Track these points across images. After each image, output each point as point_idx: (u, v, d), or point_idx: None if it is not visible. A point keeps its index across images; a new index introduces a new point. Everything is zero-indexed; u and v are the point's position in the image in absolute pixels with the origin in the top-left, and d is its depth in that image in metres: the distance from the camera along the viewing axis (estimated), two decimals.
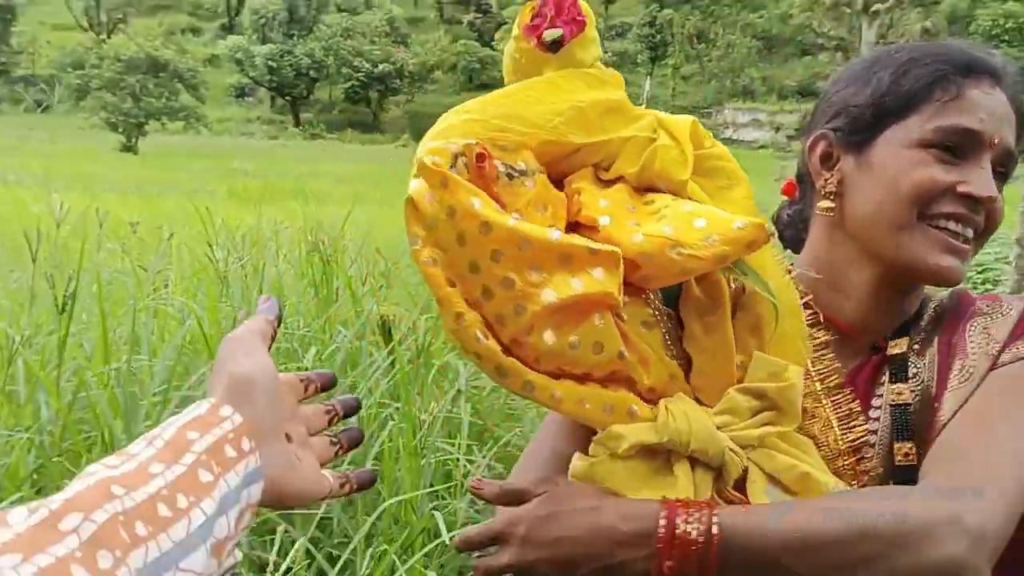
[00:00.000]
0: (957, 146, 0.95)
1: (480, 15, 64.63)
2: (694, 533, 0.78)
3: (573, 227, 0.86)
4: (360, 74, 57.53)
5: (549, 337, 0.78)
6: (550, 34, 0.88)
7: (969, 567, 0.77)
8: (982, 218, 0.97)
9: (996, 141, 0.96)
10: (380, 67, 57.40)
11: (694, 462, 0.83)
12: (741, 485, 0.85)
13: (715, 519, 0.78)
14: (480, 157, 0.80)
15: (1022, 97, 1.01)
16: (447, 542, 1.76)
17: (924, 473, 0.89)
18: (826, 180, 1.03)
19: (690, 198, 0.88)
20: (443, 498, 2.15)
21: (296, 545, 1.36)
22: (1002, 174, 0.99)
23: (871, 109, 1.00)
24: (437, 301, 0.80)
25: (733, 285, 0.88)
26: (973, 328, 1.00)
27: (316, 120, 58.17)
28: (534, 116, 0.85)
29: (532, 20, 0.90)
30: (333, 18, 60.56)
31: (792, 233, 1.12)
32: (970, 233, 0.96)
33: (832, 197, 1.02)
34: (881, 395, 1.00)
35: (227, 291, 3.15)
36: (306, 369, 2.36)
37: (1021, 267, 6.11)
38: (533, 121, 0.84)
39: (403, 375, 1.99)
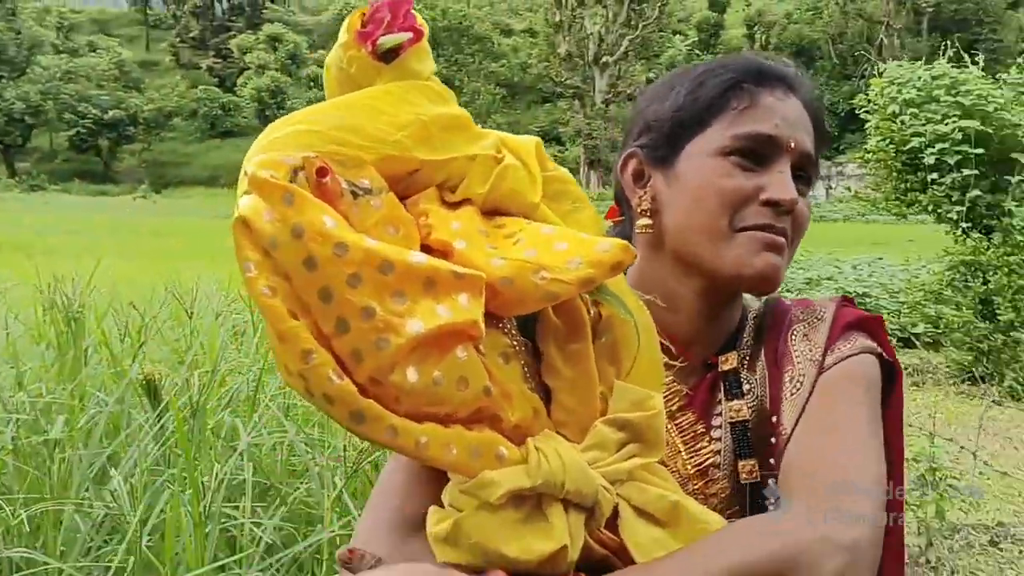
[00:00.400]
0: (756, 152, 0.97)
1: (220, 60, 62.38)
2: None
3: (424, 252, 0.77)
4: (87, 120, 53.59)
5: (412, 374, 0.69)
6: (388, 40, 0.80)
7: None
8: (788, 224, 0.98)
9: (793, 146, 0.97)
10: (110, 113, 53.76)
11: (566, 504, 0.76)
12: (611, 523, 0.80)
13: None
14: (321, 172, 0.71)
15: (816, 104, 1.04)
16: None
17: (784, 495, 0.88)
18: (640, 198, 1.03)
19: (542, 221, 0.83)
20: (230, 569, 1.97)
21: None
22: (803, 178, 1.01)
23: (671, 123, 1.01)
24: (278, 337, 0.68)
25: (592, 312, 0.83)
26: (794, 336, 1.02)
27: (35, 170, 53.19)
28: (374, 129, 0.76)
29: (365, 26, 0.82)
30: (50, 60, 55.98)
31: None
32: (781, 239, 0.97)
33: (648, 214, 1.02)
34: (720, 413, 1.00)
35: None
36: (55, 442, 2.11)
37: None
38: (373, 135, 0.76)
39: (181, 437, 1.81)
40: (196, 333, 3.22)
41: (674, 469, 0.97)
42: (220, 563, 1.82)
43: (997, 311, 7.62)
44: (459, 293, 0.71)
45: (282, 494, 2.27)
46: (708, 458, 0.99)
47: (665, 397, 0.98)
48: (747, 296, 1.09)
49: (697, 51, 49.58)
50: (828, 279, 11.59)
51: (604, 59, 34.89)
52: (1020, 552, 4.15)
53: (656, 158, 1.03)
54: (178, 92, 60.14)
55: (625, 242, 0.76)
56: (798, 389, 0.97)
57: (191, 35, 65.22)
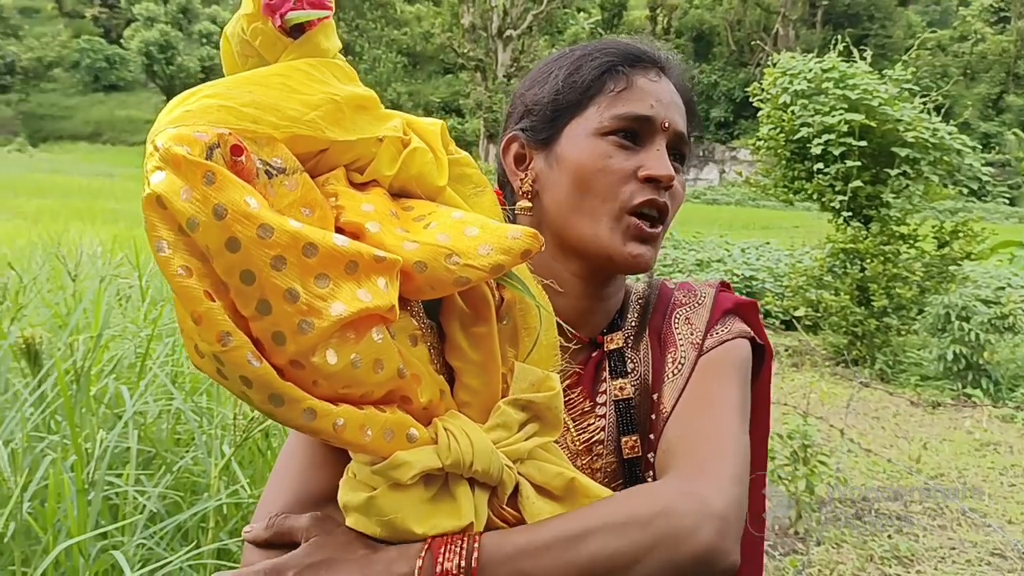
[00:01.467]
0: (634, 132, 1.01)
1: (106, 10, 59.30)
2: (453, 568, 0.76)
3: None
4: None
5: (332, 356, 0.69)
6: (298, 15, 0.77)
7: (721, 552, 0.80)
8: (668, 199, 1.01)
9: (667, 125, 1.01)
10: None
11: (472, 482, 0.79)
12: (512, 500, 0.82)
13: (476, 549, 0.77)
14: (236, 149, 0.69)
15: (688, 87, 1.08)
16: None
17: (661, 468, 0.94)
18: (522, 180, 1.05)
19: (449, 205, 0.83)
20: (112, 538, 1.93)
21: None
22: (677, 157, 1.05)
23: (551, 106, 1.04)
24: (193, 319, 0.67)
25: (494, 295, 0.84)
26: (677, 320, 1.08)
27: None
28: (288, 108, 0.74)
29: None
30: None
31: None
32: (660, 218, 1.01)
33: (529, 196, 1.05)
34: (604, 391, 1.04)
35: None
36: None
37: None
38: (288, 113, 0.74)
39: (66, 402, 1.75)
40: (79, 297, 3.10)
41: (563, 445, 1.01)
42: (103, 530, 1.78)
43: (872, 297, 8.03)
44: (379, 276, 0.70)
45: (168, 462, 2.23)
46: (595, 435, 1.03)
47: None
48: (630, 277, 1.13)
49: (600, 30, 50.03)
50: (718, 261, 11.97)
51: (508, 32, 34.86)
52: (883, 525, 4.42)
53: (537, 141, 1.05)
54: (60, 41, 56.87)
55: (534, 230, 0.77)
56: (679, 371, 1.03)
57: None
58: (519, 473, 0.82)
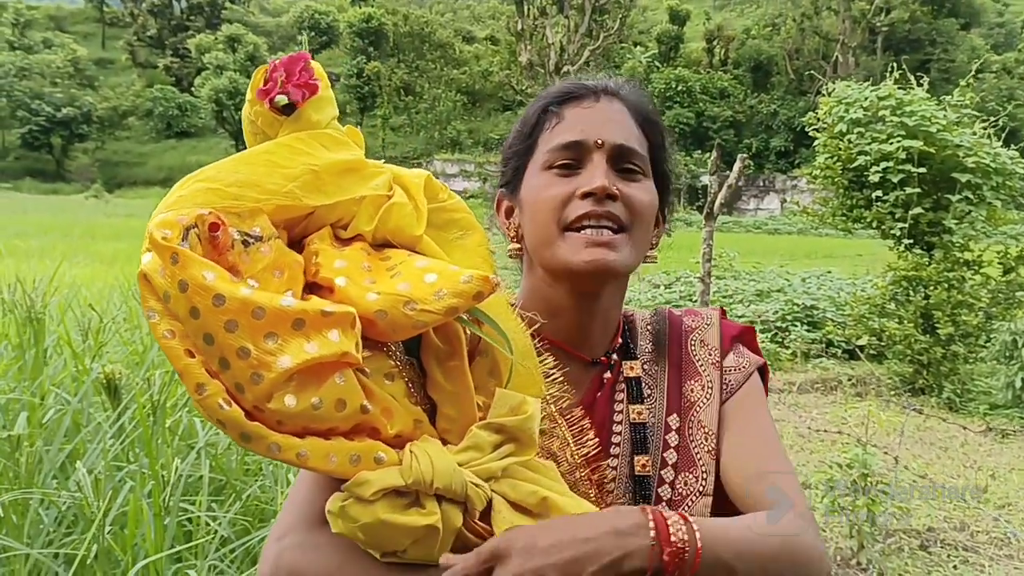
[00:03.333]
0: (570, 159, 1.11)
1: (177, 59, 61.63)
2: (680, 533, 0.87)
3: (311, 288, 0.88)
4: (40, 118, 52.58)
5: (291, 400, 0.80)
6: (280, 99, 0.91)
7: None
8: (617, 210, 1.09)
9: (600, 142, 1.10)
10: (64, 111, 52.84)
11: (440, 498, 0.87)
12: (486, 516, 0.90)
13: (697, 530, 0.88)
14: (213, 227, 0.82)
15: (640, 103, 1.17)
16: None
17: (754, 497, 1.05)
18: (508, 228, 1.19)
19: (423, 253, 0.92)
20: (185, 560, 2.06)
21: None
22: (633, 170, 1.12)
23: (512, 158, 1.18)
24: (178, 373, 0.80)
25: (469, 333, 0.93)
26: (693, 345, 1.19)
27: None
28: (268, 182, 0.87)
29: (265, 84, 0.93)
30: (5, 56, 54.88)
31: None
32: (609, 225, 1.08)
33: (516, 239, 1.18)
34: (621, 411, 1.15)
35: None
36: (17, 439, 2.18)
37: (706, 303, 6.88)
38: (267, 187, 0.86)
39: (145, 431, 1.90)
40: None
41: (564, 459, 1.09)
42: (177, 550, 1.91)
43: (936, 325, 7.87)
44: (330, 329, 0.81)
45: (237, 490, 2.35)
46: (594, 449, 1.11)
47: (556, 396, 1.10)
48: (636, 309, 1.25)
49: (657, 63, 50.14)
50: (778, 291, 11.83)
51: (565, 68, 35.20)
52: (948, 556, 4.34)
53: (511, 191, 1.18)
54: (134, 91, 59.32)
55: (485, 274, 0.87)
56: (710, 395, 1.14)
57: (148, 34, 64.30)
58: (494, 491, 0.90)
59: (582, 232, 1.07)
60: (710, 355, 1.18)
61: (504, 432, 0.92)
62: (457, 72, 49.93)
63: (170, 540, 1.97)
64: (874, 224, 8.45)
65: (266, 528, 2.20)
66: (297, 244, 0.91)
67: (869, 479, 4.18)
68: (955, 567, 4.20)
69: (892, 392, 8.28)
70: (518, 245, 1.18)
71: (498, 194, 1.21)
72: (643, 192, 1.12)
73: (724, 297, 11.43)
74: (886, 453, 4.81)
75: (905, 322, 8.08)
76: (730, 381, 1.17)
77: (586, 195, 1.08)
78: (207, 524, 2.15)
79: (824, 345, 9.57)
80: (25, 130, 53.15)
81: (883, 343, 8.50)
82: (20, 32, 63.88)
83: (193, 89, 55.07)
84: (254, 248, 0.84)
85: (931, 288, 8.00)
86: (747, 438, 1.11)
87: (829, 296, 11.35)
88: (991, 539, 4.58)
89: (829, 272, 14.29)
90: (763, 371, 1.21)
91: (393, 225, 0.92)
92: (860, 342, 8.75)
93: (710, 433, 1.13)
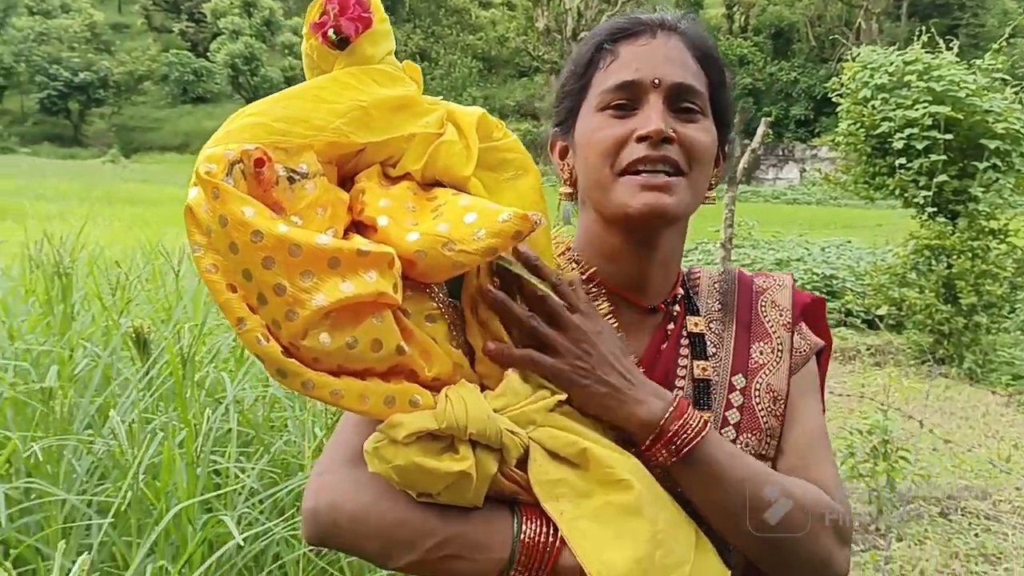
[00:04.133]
0: (625, 100, 1.06)
1: (192, 24, 61.36)
2: (692, 422, 0.95)
3: (357, 226, 0.87)
4: (58, 83, 52.58)
5: (326, 339, 0.80)
6: (334, 33, 0.90)
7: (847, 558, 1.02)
8: (675, 154, 1.05)
9: (657, 81, 1.06)
10: (81, 76, 52.82)
11: (475, 444, 0.87)
12: (523, 463, 0.90)
13: (706, 428, 0.97)
14: (259, 162, 0.81)
15: (699, 39, 1.12)
16: (241, 544, 1.71)
17: (791, 468, 1.08)
18: (561, 170, 1.16)
19: (470, 194, 0.91)
20: (216, 510, 2.08)
21: (81, 559, 1.27)
22: (691, 109, 1.08)
23: (564, 97, 1.14)
24: (219, 307, 0.81)
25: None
26: (764, 306, 1.17)
27: (6, 132, 52.22)
28: (316, 118, 0.86)
29: (319, 17, 0.91)
30: (24, 21, 54.81)
31: None
32: (665, 169, 1.05)
33: (568, 183, 1.15)
34: (685, 366, 1.12)
35: None
36: (49, 391, 2.20)
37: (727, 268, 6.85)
38: (315, 123, 0.86)
39: (177, 383, 1.91)
40: (180, 293, 3.30)
41: None
42: (207, 496, 1.93)
43: (959, 295, 7.81)
44: (367, 270, 0.80)
45: (265, 443, 2.37)
46: None
47: None
48: (703, 267, 1.23)
49: None
50: (797, 260, 11.78)
51: (582, 35, 34.87)
52: (969, 524, 4.34)
53: (564, 131, 1.15)
54: (149, 56, 59.11)
55: (523, 212, 0.86)
56: (780, 357, 1.13)
57: None
58: (531, 439, 0.90)
59: (637, 175, 1.04)
60: (781, 316, 1.16)
61: (536, 377, 0.92)
62: (473, 38, 49.55)
63: (201, 490, 1.99)
64: (897, 192, 8.36)
65: (293, 480, 2.22)
66: (349, 181, 0.90)
67: (889, 445, 4.17)
68: (976, 535, 4.20)
69: (911, 362, 8.24)
70: (571, 189, 1.15)
71: (551, 134, 1.18)
72: (702, 133, 1.08)
73: (743, 266, 11.37)
74: (910, 417, 4.79)
75: (926, 291, 8.02)
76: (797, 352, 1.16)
77: (642, 138, 1.04)
78: (236, 476, 2.17)
79: (843, 315, 9.51)
80: (43, 95, 53.16)
81: (903, 313, 8.45)
82: None
83: (208, 54, 54.92)
84: (299, 185, 0.84)
85: (954, 257, 7.93)
86: (792, 425, 1.11)
87: (848, 266, 11.29)
88: (1014, 508, 4.57)
89: (849, 242, 14.20)
90: (822, 351, 1.19)
91: (442, 164, 0.90)
92: (879, 312, 8.70)
93: (779, 397, 1.11)
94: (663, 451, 0.95)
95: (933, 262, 8.19)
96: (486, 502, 0.91)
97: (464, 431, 0.85)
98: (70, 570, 1.31)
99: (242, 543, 1.71)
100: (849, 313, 9.46)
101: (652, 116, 1.04)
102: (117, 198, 20.91)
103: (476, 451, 0.87)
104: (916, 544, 4.07)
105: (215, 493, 2.00)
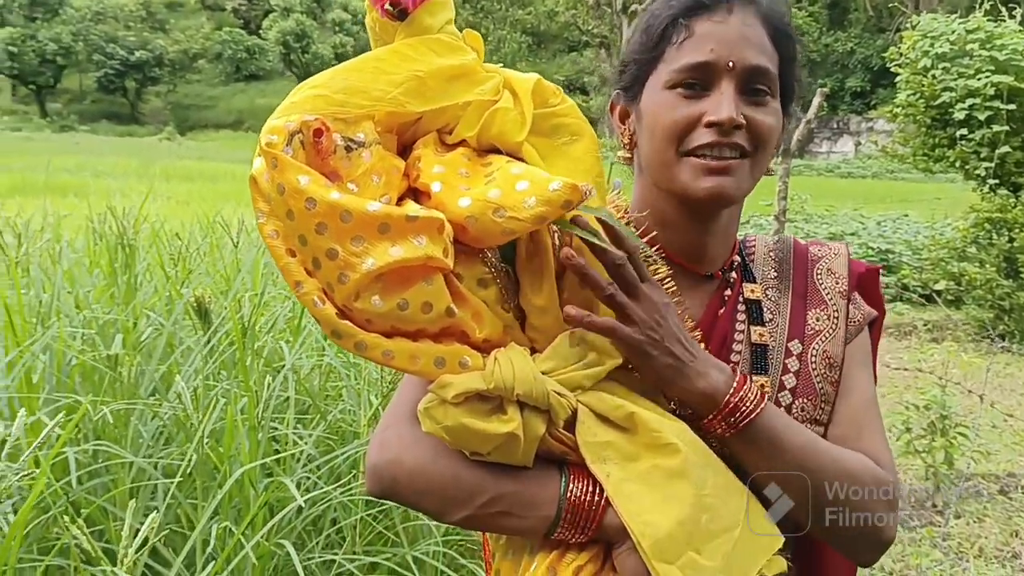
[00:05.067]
0: (697, 80, 1.04)
1: (245, 2, 61.99)
2: (751, 395, 0.98)
3: (413, 192, 0.90)
4: (114, 61, 53.56)
5: (377, 301, 0.83)
6: (392, 5, 0.91)
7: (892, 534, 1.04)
8: (741, 139, 1.04)
9: (732, 64, 1.04)
10: (137, 54, 53.72)
11: (523, 405, 0.89)
12: (571, 426, 0.92)
13: (763, 399, 0.99)
14: (318, 132, 0.84)
15: (775, 14, 1.09)
16: (301, 506, 1.76)
17: (842, 438, 1.10)
18: (622, 134, 1.15)
19: (524, 159, 0.92)
20: (275, 475, 2.14)
21: (149, 519, 1.32)
22: (762, 91, 1.06)
23: (633, 64, 1.11)
24: (280, 271, 0.86)
25: (557, 242, 0.93)
26: (819, 274, 1.17)
27: (66, 111, 53.43)
28: (374, 88, 0.88)
29: None
30: (81, 1, 55.84)
31: None
32: (731, 154, 1.04)
33: (628, 147, 1.15)
34: (742, 331, 1.13)
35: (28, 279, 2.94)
36: (116, 357, 2.27)
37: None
38: (372, 94, 0.88)
39: (240, 350, 1.96)
40: (238, 265, 3.37)
41: None
42: (268, 460, 1.98)
43: (1021, 269, 7.62)
44: (416, 235, 0.83)
45: (322, 411, 2.42)
46: None
47: None
48: (758, 235, 1.24)
49: None
50: (852, 234, 11.56)
51: (632, 7, 34.41)
52: None
53: (629, 98, 1.14)
54: (203, 34, 59.85)
55: (573, 182, 0.86)
56: (836, 324, 1.14)
57: None
58: (580, 401, 0.92)
59: (702, 159, 1.04)
60: (837, 283, 1.16)
61: (585, 342, 0.93)
62: (522, 12, 49.20)
63: (261, 455, 2.05)
64: (957, 164, 8.16)
65: (349, 447, 2.26)
66: (408, 149, 0.92)
67: (947, 421, 4.10)
68: None
69: (969, 338, 8.07)
70: (629, 154, 1.15)
71: (614, 95, 1.17)
72: (769, 116, 1.07)
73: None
74: (970, 392, 4.70)
75: (987, 266, 7.83)
76: (852, 321, 1.16)
77: (711, 124, 1.03)
78: (294, 442, 2.22)
79: (900, 289, 9.33)
80: (101, 74, 54.19)
81: (962, 288, 8.26)
82: None
83: (261, 32, 55.46)
84: (356, 153, 0.86)
85: (1016, 231, 7.72)
86: (845, 395, 1.12)
87: (905, 240, 11.06)
88: None
89: (906, 215, 13.88)
90: (875, 321, 1.19)
91: (496, 131, 0.92)
92: (937, 287, 8.52)
93: (835, 364, 1.13)
94: (722, 424, 0.97)
95: (994, 236, 7.99)
96: (536, 461, 0.93)
97: (512, 392, 0.87)
98: (138, 530, 1.36)
99: (303, 504, 1.76)
100: (906, 288, 9.27)
101: (724, 103, 1.03)
102: (174, 174, 21.31)
103: (524, 413, 0.89)
104: (975, 521, 4.00)
105: (275, 456, 2.06)
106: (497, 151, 0.93)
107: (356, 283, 0.82)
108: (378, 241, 0.82)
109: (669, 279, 1.09)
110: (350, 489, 2.07)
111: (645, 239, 1.09)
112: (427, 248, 0.83)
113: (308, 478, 2.11)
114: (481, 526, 1.00)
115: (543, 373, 0.90)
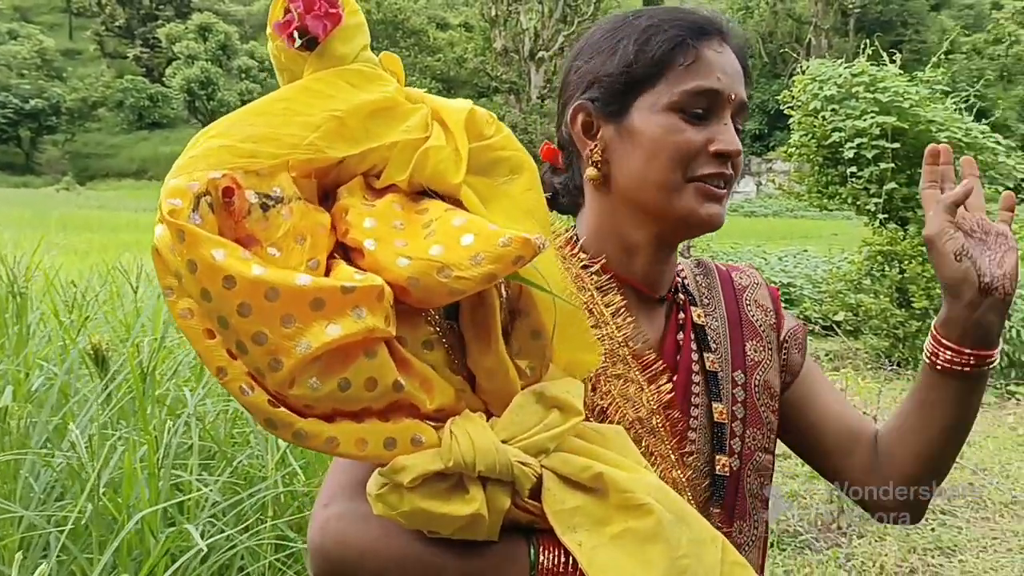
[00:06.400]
0: (704, 106, 1.04)
1: (147, 50, 60.75)
2: None
3: (342, 248, 0.80)
4: (7, 110, 51.70)
5: (316, 383, 0.73)
6: (300, 34, 0.80)
7: None
8: (731, 171, 1.06)
9: (733, 97, 1.04)
10: (32, 103, 51.99)
11: (485, 480, 0.80)
12: (537, 493, 0.84)
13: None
14: (228, 191, 0.73)
15: (745, 50, 1.11)
16: (204, 551, 1.71)
17: (858, 455, 1.19)
18: (591, 149, 1.08)
19: (463, 203, 0.82)
20: (180, 524, 2.07)
21: (37, 572, 1.26)
22: (738, 129, 1.07)
23: (622, 79, 1.05)
24: (198, 355, 0.75)
25: (505, 293, 0.85)
26: (749, 306, 1.20)
27: None
28: (286, 134, 0.77)
29: (283, 16, 0.81)
30: None
31: (568, 200, 1.16)
32: (724, 184, 1.05)
33: (598, 165, 1.07)
34: (697, 360, 1.12)
35: None
36: (5, 409, 2.18)
37: None
38: (285, 141, 0.77)
39: (138, 393, 1.91)
40: (138, 312, 3.28)
41: (641, 403, 1.06)
42: (169, 503, 1.92)
43: (912, 299, 7.97)
44: (354, 307, 0.72)
45: (228, 457, 2.37)
46: (670, 393, 1.08)
47: (628, 337, 1.08)
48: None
49: None
50: (755, 269, 11.89)
51: (540, 54, 35.17)
52: (926, 519, 4.42)
53: (607, 112, 1.07)
54: (103, 82, 58.24)
55: (526, 237, 0.76)
56: (772, 357, 1.18)
57: (117, 23, 63.17)
58: (544, 466, 0.84)
59: (704, 185, 1.04)
60: (767, 317, 1.19)
61: (544, 399, 0.85)
62: (432, 59, 49.63)
63: (163, 500, 1.99)
64: (849, 200, 8.53)
65: (256, 488, 2.21)
66: (331, 197, 0.82)
67: None
68: (933, 529, 4.29)
69: (868, 366, 8.38)
70: (598, 171, 1.08)
71: (576, 105, 1.09)
72: (741, 146, 1.08)
73: None
74: (865, 413, 4.88)
75: (881, 297, 8.18)
76: (794, 347, 1.23)
77: (718, 153, 1.03)
78: (198, 489, 2.17)
79: (802, 321, 9.64)
80: None
81: (859, 318, 8.59)
82: None
83: (164, 79, 54.36)
84: (274, 212, 0.75)
85: (906, 262, 8.09)
86: (831, 402, 1.22)
87: (805, 274, 11.46)
88: (967, 503, 4.68)
89: (805, 251, 14.41)
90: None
91: (429, 172, 0.82)
92: (837, 318, 8.84)
93: (775, 394, 1.17)
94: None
95: (886, 268, 8.36)
96: (501, 532, 0.85)
97: (472, 468, 0.78)
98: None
99: (205, 548, 1.70)
100: (807, 320, 9.60)
101: (730, 135, 1.03)
102: (72, 224, 20.57)
103: (487, 487, 0.81)
104: (877, 540, 4.14)
105: (177, 500, 1.99)
106: (430, 192, 0.83)
107: (291, 369, 0.72)
108: (312, 320, 0.71)
109: (623, 309, 1.08)
110: (257, 533, 2.02)
111: (598, 264, 1.08)
112: (367, 320, 0.72)
113: (214, 524, 2.05)
114: None
115: (503, 442, 0.81)
